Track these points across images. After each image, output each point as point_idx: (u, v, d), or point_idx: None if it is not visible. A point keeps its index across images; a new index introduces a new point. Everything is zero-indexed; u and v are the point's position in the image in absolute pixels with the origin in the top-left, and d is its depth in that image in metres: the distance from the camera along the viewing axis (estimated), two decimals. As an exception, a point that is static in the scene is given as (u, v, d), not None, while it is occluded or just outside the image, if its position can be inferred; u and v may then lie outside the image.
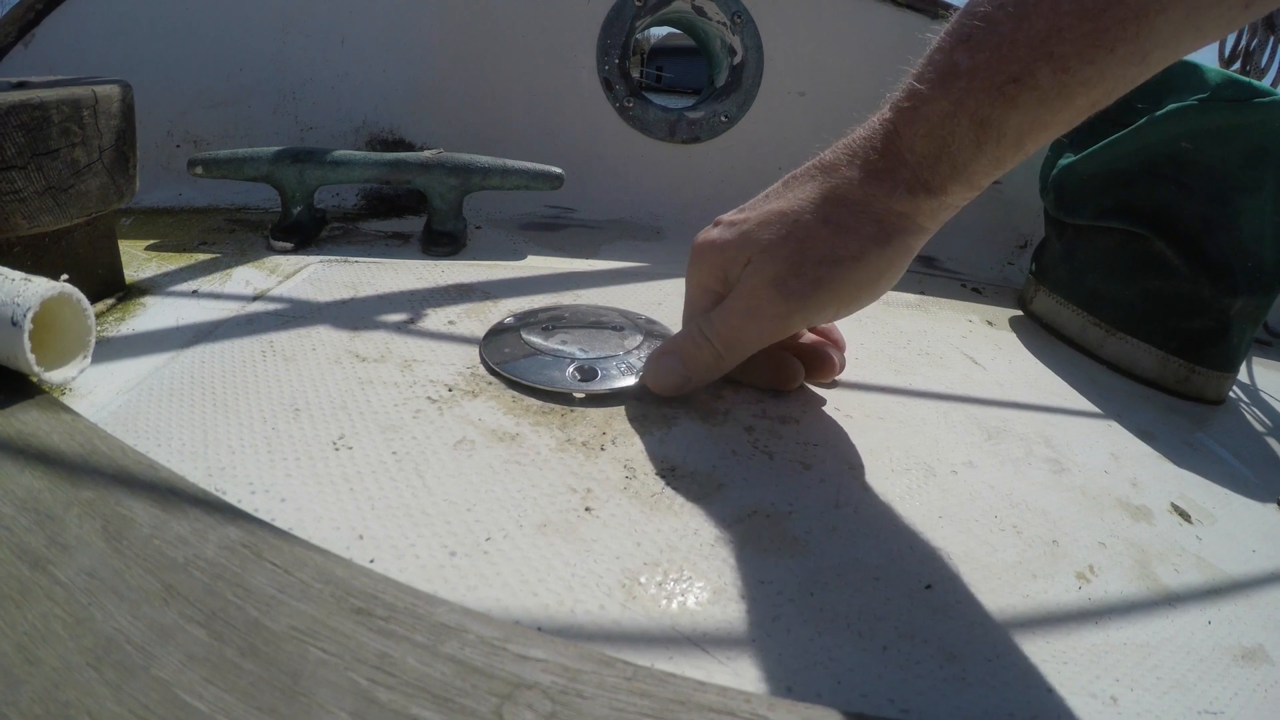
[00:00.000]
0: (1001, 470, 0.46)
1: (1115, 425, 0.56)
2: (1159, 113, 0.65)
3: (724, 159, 0.98)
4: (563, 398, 0.44)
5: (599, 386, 0.45)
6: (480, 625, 0.24)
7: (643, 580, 0.32)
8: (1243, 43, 1.14)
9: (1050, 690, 0.30)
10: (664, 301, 0.62)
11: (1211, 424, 0.63)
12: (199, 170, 0.67)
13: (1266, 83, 1.05)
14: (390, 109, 0.89)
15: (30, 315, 0.36)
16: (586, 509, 0.35)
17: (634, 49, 0.95)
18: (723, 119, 0.97)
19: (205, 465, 0.35)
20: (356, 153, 0.70)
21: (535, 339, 0.49)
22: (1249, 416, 0.68)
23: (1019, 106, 0.33)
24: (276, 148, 0.69)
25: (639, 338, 0.51)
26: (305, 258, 0.64)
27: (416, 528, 0.32)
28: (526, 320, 0.53)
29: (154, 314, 0.51)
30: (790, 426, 0.45)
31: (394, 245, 0.70)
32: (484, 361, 0.47)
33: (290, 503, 0.33)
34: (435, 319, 0.53)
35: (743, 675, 0.28)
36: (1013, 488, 0.44)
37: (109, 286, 0.54)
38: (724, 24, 0.95)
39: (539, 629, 0.28)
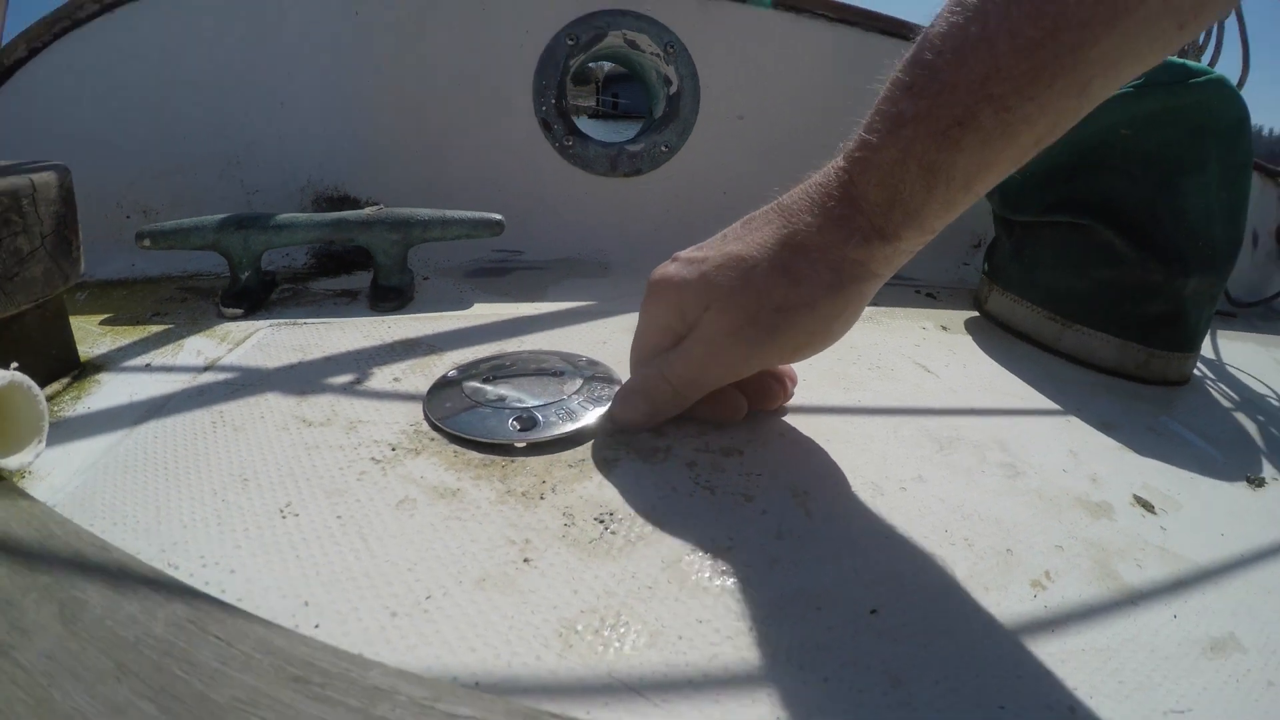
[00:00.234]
0: (953, 482, 0.46)
1: (1074, 420, 0.57)
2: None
3: (667, 189, 1.00)
4: (503, 449, 0.45)
5: (539, 435, 0.46)
6: (411, 686, 0.26)
7: (579, 629, 0.32)
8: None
9: (1002, 707, 0.30)
10: (609, 340, 0.64)
11: (1176, 406, 0.63)
12: (146, 243, 0.68)
13: (1204, 62, 1.05)
14: (333, 167, 0.91)
15: (-19, 408, 0.38)
16: (525, 560, 0.36)
17: (588, 78, 0.97)
18: (663, 149, 0.99)
19: (159, 541, 0.37)
20: (300, 215, 0.72)
21: (477, 390, 0.51)
22: (1215, 393, 0.68)
23: (964, 149, 0.34)
24: (222, 215, 0.70)
25: (579, 381, 0.53)
26: (255, 323, 0.65)
27: (359, 590, 0.34)
28: (469, 372, 0.54)
29: (108, 391, 0.52)
30: (733, 459, 0.46)
31: (343, 303, 0.72)
32: (427, 418, 0.49)
33: (239, 573, 0.35)
34: (380, 377, 0.55)
35: (679, 718, 0.28)
36: (964, 499, 0.44)
37: (64, 365, 0.55)
38: (657, 55, 0.96)
39: (476, 684, 0.29)
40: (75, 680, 0.27)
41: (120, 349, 0.60)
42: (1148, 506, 0.46)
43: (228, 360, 0.57)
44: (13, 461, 0.41)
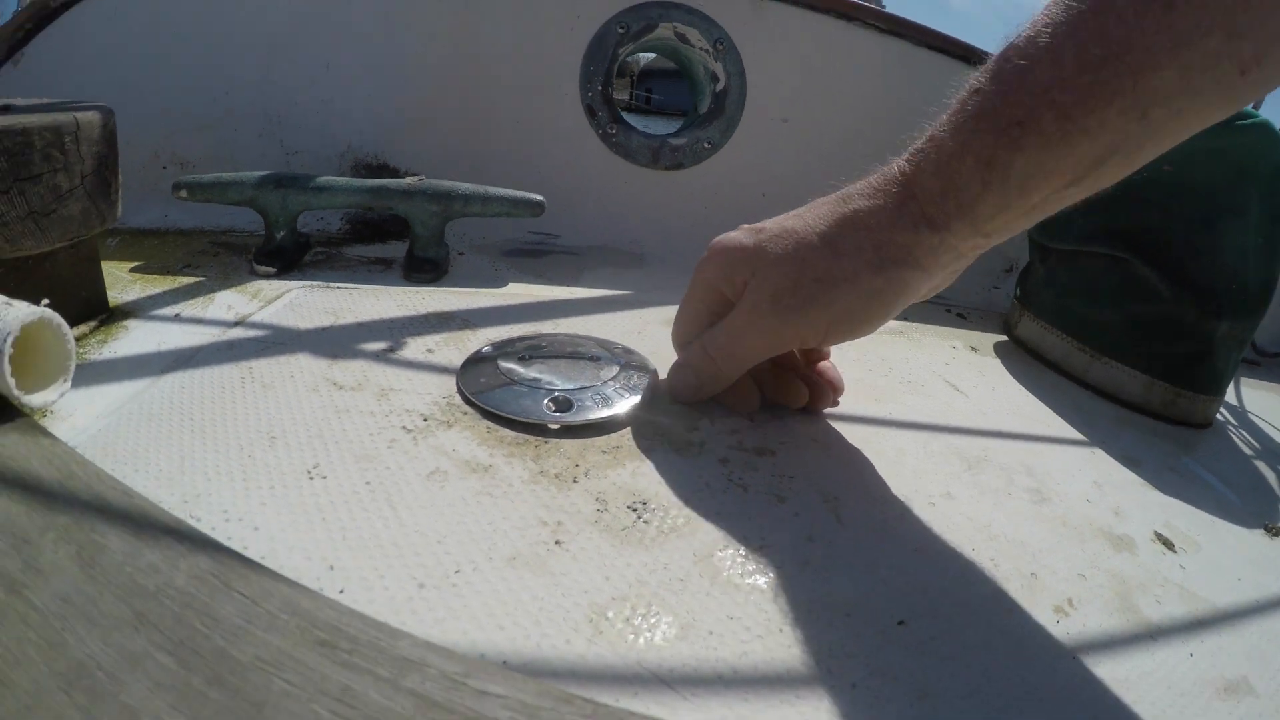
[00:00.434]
0: (980, 501, 0.46)
1: (1099, 452, 0.56)
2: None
3: (707, 185, 0.99)
4: (537, 429, 0.45)
5: (574, 418, 0.45)
6: (442, 660, 0.25)
7: (610, 615, 0.32)
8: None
9: None
10: (644, 330, 0.63)
11: (1198, 448, 0.63)
12: (183, 194, 0.67)
13: (1248, 105, 1.05)
14: (375, 135, 0.90)
15: (10, 340, 0.37)
16: (556, 542, 0.35)
17: (624, 71, 0.96)
18: (706, 145, 0.98)
19: (181, 491, 0.36)
20: (339, 179, 0.71)
21: (512, 369, 0.50)
22: (1236, 439, 0.68)
23: (1023, 149, 0.36)
24: (261, 172, 0.69)
25: (615, 368, 0.52)
26: (288, 282, 0.64)
27: (386, 559, 0.33)
28: (504, 349, 0.53)
29: (136, 338, 0.51)
30: (766, 458, 0.45)
31: (376, 271, 0.71)
32: (460, 391, 0.48)
33: (263, 531, 0.34)
34: (414, 347, 0.54)
35: (708, 713, 0.28)
36: (991, 519, 0.44)
37: (92, 309, 0.54)
38: (706, 50, 0.96)
39: (504, 663, 0.28)
40: (90, 625, 0.26)
41: (150, 297, 0.59)
42: (1168, 544, 0.46)
43: (259, 317, 0.56)
44: (36, 399, 0.40)
